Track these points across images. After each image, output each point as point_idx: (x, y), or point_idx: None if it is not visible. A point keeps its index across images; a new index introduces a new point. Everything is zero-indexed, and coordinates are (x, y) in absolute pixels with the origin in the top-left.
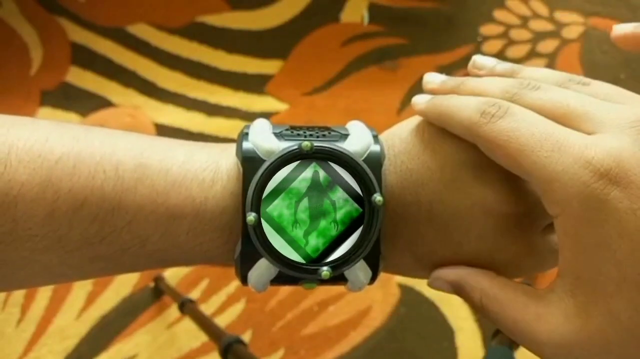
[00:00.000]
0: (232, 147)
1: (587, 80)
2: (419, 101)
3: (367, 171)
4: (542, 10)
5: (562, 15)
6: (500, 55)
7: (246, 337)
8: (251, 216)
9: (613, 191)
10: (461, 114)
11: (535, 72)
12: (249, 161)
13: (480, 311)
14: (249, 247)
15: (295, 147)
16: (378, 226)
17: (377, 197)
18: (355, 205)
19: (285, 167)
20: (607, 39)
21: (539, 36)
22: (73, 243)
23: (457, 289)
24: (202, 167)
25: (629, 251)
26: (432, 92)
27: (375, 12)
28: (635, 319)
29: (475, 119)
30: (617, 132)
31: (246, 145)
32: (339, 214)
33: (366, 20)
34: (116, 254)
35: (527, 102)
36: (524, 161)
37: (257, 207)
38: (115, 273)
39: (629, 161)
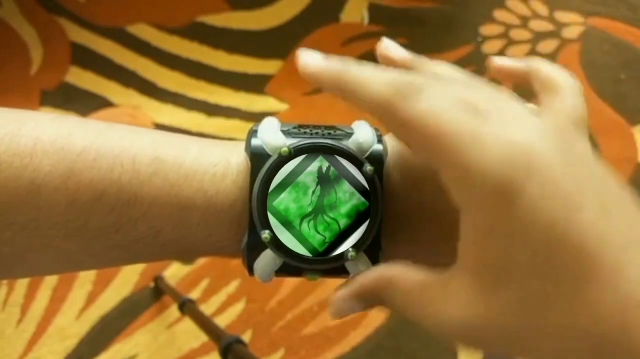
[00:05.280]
0: (243, 144)
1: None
2: (309, 60)
3: (355, 152)
4: (542, 10)
5: (562, 15)
6: (500, 55)
7: (246, 337)
8: (265, 234)
9: (531, 180)
10: (372, 87)
11: (438, 67)
12: (257, 157)
13: (388, 306)
14: (255, 238)
15: (302, 142)
16: (379, 217)
17: (367, 169)
18: (362, 199)
19: (292, 161)
20: (607, 39)
21: (539, 36)
22: (91, 232)
23: (374, 293)
24: (213, 162)
25: (538, 232)
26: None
27: (375, 12)
28: (543, 302)
29: (390, 94)
30: (539, 127)
31: (255, 141)
32: (346, 208)
33: (366, 20)
34: (132, 243)
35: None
36: (443, 145)
37: (263, 201)
38: (132, 262)
39: (550, 152)
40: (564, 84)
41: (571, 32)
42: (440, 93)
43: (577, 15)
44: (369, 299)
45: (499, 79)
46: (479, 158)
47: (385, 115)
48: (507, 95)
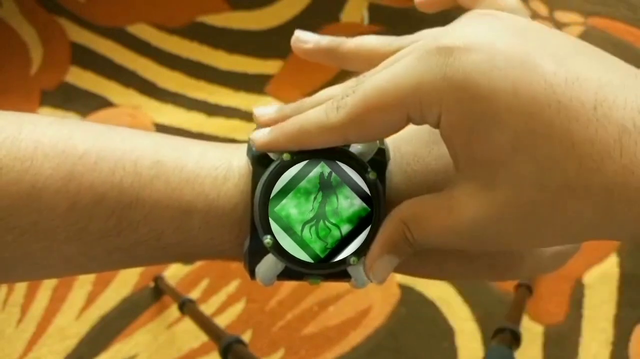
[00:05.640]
0: (244, 147)
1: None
2: (259, 136)
3: (369, 169)
4: (542, 10)
5: (562, 15)
6: None
7: (246, 337)
8: (267, 239)
9: (464, 56)
10: (314, 121)
11: (360, 41)
12: (259, 161)
13: (416, 244)
14: (256, 242)
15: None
16: (383, 206)
17: (369, 175)
18: (364, 204)
19: (293, 167)
20: (607, 39)
21: None
22: (92, 235)
23: (401, 238)
24: (215, 166)
25: (508, 106)
26: (270, 123)
27: (375, 12)
28: (537, 172)
29: (329, 113)
30: (466, 22)
31: None
32: (347, 213)
33: (366, 20)
34: (133, 246)
35: None
36: (390, 96)
37: (264, 206)
38: (133, 265)
39: (484, 33)
40: None
41: (571, 32)
42: (357, 81)
43: (577, 15)
44: (397, 249)
45: (431, 12)
46: (424, 79)
47: (341, 132)
48: (429, 30)
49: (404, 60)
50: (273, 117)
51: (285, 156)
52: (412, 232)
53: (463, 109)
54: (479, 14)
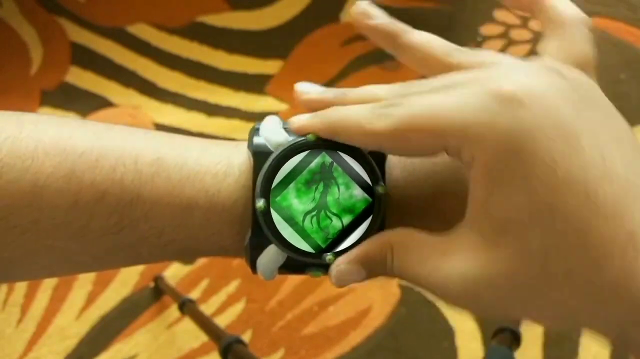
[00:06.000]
0: (245, 144)
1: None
2: (300, 118)
3: (371, 161)
4: None
5: None
6: None
7: (246, 337)
8: (260, 203)
9: (520, 111)
10: (356, 119)
11: (424, 39)
12: (260, 154)
13: (391, 271)
14: (258, 234)
15: (303, 138)
16: (381, 216)
17: (379, 188)
18: (365, 195)
19: (294, 157)
20: (607, 39)
21: (539, 36)
22: (94, 233)
23: (377, 260)
24: (215, 162)
25: (541, 179)
26: (310, 103)
27: None
28: (546, 249)
29: (373, 118)
30: (527, 71)
31: (257, 139)
32: (349, 203)
33: None
34: (134, 244)
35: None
36: (438, 124)
37: (266, 196)
38: (134, 263)
39: (541, 93)
40: (567, 18)
41: None
42: (414, 95)
43: None
44: (371, 266)
45: (507, 5)
46: (475, 121)
47: (375, 139)
48: (493, 55)
49: (461, 92)
50: (314, 98)
51: (310, 137)
52: (394, 260)
53: (498, 161)
54: (548, 68)
